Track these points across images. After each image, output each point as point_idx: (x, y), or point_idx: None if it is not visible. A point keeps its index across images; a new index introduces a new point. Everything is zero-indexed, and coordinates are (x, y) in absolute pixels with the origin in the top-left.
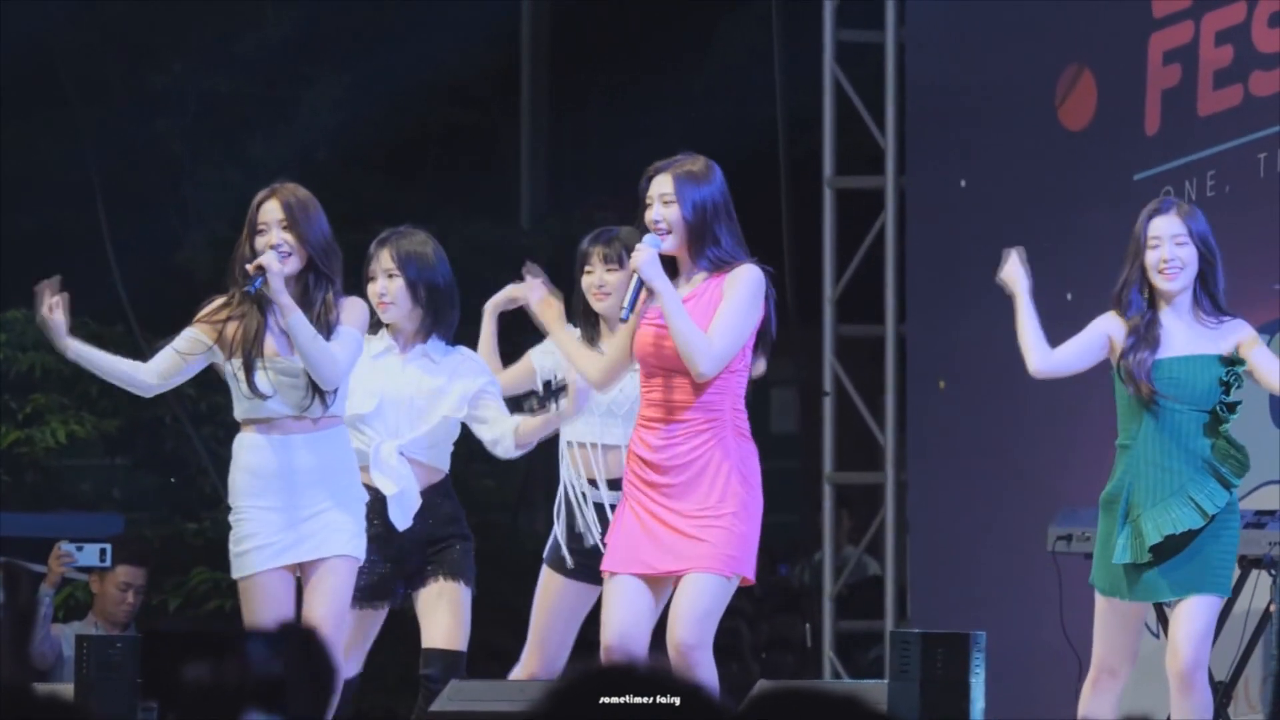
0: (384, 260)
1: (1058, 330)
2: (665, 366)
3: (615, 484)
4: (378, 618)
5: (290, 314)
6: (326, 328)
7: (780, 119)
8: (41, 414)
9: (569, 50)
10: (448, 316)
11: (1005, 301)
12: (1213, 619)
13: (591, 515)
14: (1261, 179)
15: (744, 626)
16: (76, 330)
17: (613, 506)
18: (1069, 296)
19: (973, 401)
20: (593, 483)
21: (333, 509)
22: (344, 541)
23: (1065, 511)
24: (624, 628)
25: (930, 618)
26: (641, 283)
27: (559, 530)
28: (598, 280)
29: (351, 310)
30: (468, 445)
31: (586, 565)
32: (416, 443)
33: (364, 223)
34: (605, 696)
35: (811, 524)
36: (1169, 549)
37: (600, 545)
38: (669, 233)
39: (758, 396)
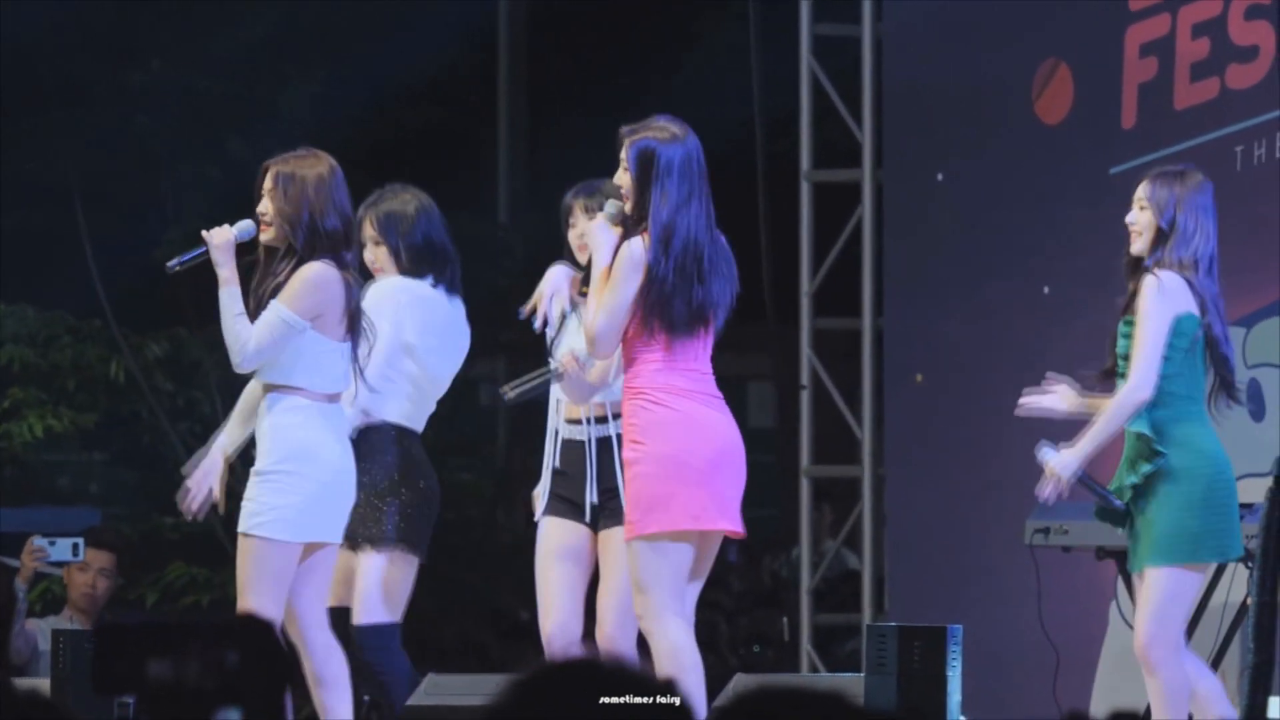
0: (366, 228)
1: (1034, 324)
2: None
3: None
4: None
5: (221, 287)
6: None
7: (757, 114)
8: (19, 408)
9: (546, 48)
10: (433, 271)
11: (982, 294)
12: (1165, 591)
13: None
14: (1238, 172)
15: (721, 620)
16: (54, 324)
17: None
18: (1046, 290)
19: (950, 395)
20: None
21: (253, 482)
22: (245, 518)
23: (1042, 505)
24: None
25: (908, 611)
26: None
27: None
28: (580, 231)
29: (290, 286)
30: (443, 438)
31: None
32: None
33: None
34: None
35: (789, 518)
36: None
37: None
38: (626, 197)
39: (734, 391)
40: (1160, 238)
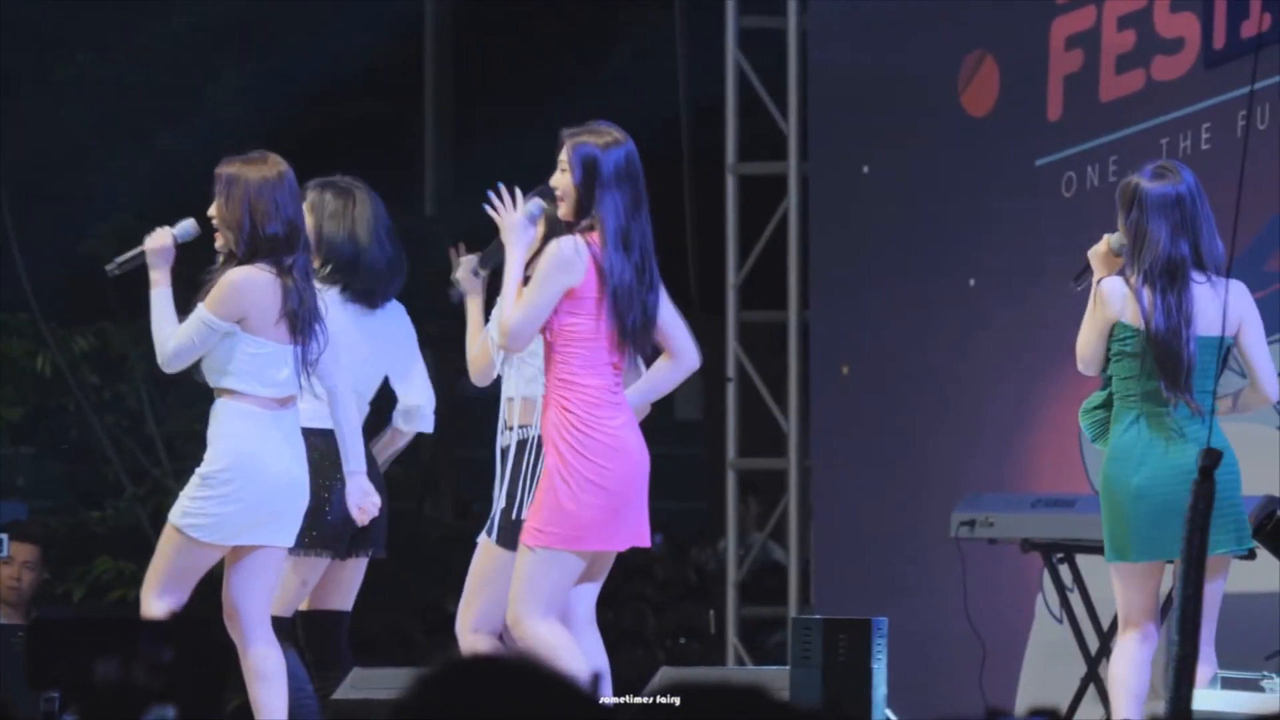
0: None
1: (959, 315)
2: None
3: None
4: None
5: (152, 288)
6: None
7: (683, 106)
8: None
9: (472, 40)
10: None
11: (908, 287)
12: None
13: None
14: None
15: (649, 613)
16: None
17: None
18: (972, 282)
19: (876, 387)
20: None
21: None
22: (180, 512)
23: (969, 497)
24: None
25: (834, 604)
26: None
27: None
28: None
29: (214, 289)
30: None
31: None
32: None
33: None
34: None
35: (716, 511)
36: None
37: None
38: (562, 199)
39: None
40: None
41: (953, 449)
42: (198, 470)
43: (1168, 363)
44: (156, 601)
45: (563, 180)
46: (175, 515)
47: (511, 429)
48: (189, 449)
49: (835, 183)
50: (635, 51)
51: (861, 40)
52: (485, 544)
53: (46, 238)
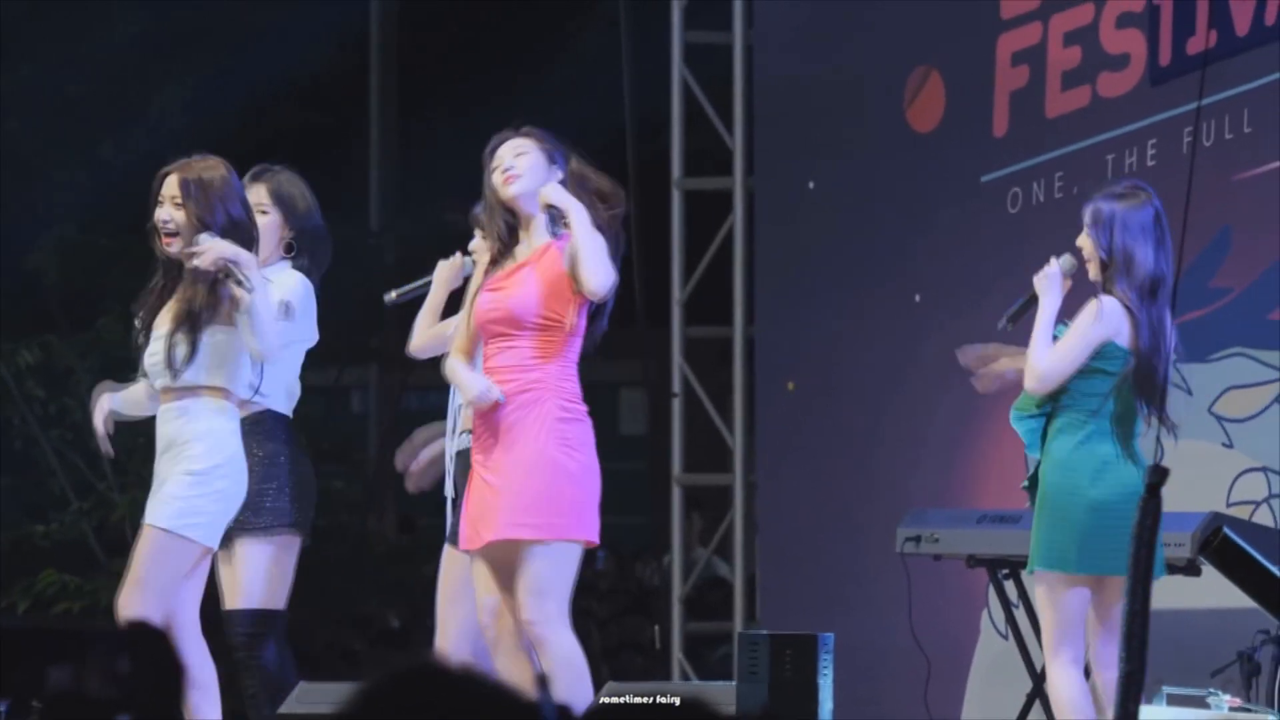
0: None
1: (905, 331)
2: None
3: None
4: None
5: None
6: None
7: (628, 119)
8: None
9: (417, 53)
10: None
11: (853, 302)
12: (1041, 597)
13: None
14: (1109, 180)
15: (593, 628)
16: None
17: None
18: (917, 298)
19: (821, 403)
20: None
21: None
22: (172, 515)
23: (914, 513)
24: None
25: (779, 619)
26: None
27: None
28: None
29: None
30: (315, 445)
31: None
32: None
33: None
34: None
35: (660, 526)
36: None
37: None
38: (519, 176)
39: (606, 398)
40: (1104, 262)
41: (897, 464)
42: (183, 470)
43: (1149, 382)
44: (145, 612)
45: (519, 162)
46: (163, 518)
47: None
48: (134, 463)
49: (781, 198)
50: (581, 64)
51: (807, 55)
52: (453, 554)
53: None
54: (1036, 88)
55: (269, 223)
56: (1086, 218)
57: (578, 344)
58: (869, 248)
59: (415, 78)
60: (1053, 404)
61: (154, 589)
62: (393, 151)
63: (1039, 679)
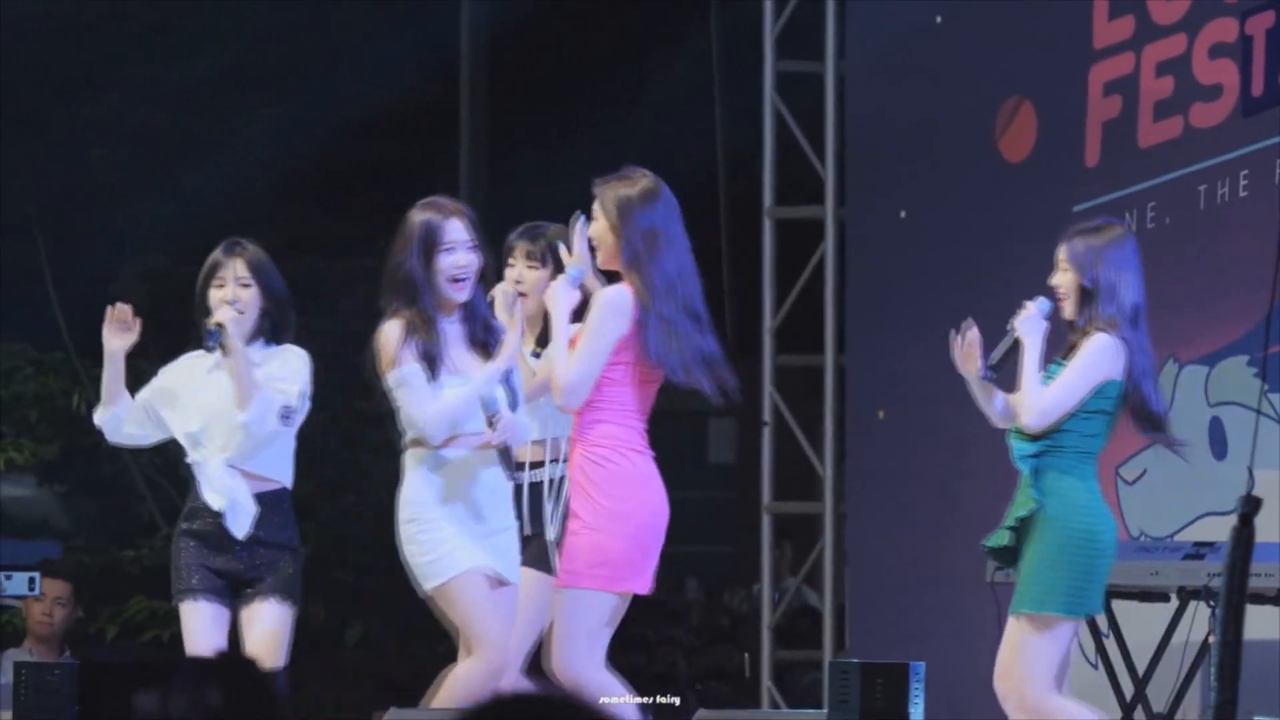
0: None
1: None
2: None
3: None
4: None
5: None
6: None
7: (720, 150)
8: None
9: (506, 85)
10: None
11: (944, 332)
12: (1023, 636)
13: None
14: (1201, 210)
15: (681, 657)
16: (16, 356)
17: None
18: (1008, 328)
19: (911, 432)
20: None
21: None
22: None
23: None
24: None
25: (868, 648)
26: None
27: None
28: (516, 275)
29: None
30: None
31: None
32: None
33: (298, 255)
34: None
35: (750, 555)
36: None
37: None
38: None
39: (695, 427)
40: (1086, 296)
41: (986, 493)
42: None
43: (1145, 409)
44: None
45: (597, 227)
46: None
47: (544, 464)
48: None
49: (872, 227)
50: (672, 95)
51: (899, 85)
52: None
53: (79, 277)
54: (1129, 118)
55: (252, 295)
56: (1064, 255)
57: (612, 390)
58: (960, 277)
59: (504, 110)
60: (1045, 442)
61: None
62: (480, 184)
63: (1128, 707)
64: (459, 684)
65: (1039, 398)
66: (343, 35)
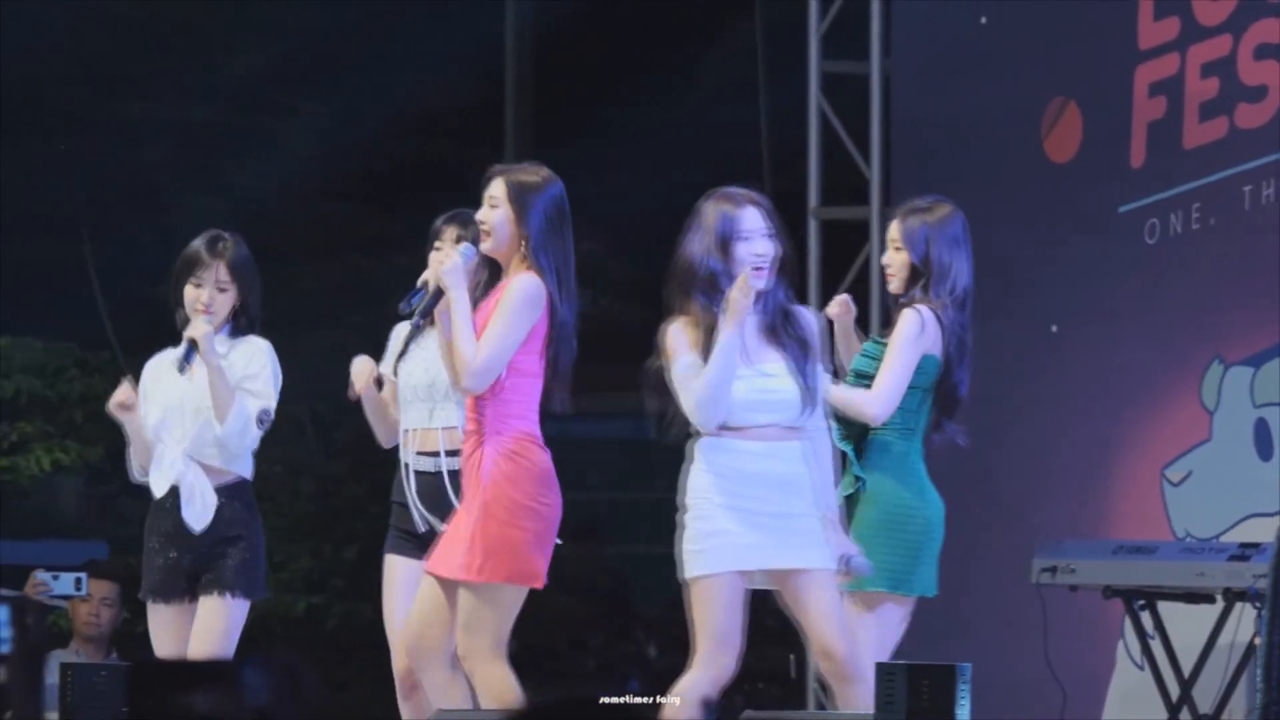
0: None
1: (1041, 361)
2: None
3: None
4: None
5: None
6: None
7: (765, 150)
8: (27, 442)
9: (552, 83)
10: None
11: (989, 332)
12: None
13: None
14: (1246, 211)
15: None
16: (62, 356)
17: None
18: (1054, 328)
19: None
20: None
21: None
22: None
23: (1048, 543)
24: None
25: (912, 649)
26: (439, 290)
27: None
28: (443, 259)
29: None
30: None
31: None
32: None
33: (343, 253)
34: None
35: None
36: None
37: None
38: (489, 235)
39: None
40: (915, 275)
41: (1030, 494)
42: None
43: (953, 394)
44: None
45: (492, 215)
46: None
47: (438, 454)
48: (268, 489)
49: None
50: (716, 96)
51: (944, 85)
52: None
53: (125, 276)
54: (1174, 119)
55: (228, 298)
56: (895, 233)
57: (522, 381)
58: (1005, 278)
59: (549, 108)
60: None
61: None
62: None
63: (1174, 709)
64: (685, 692)
65: (879, 392)
66: (388, 33)
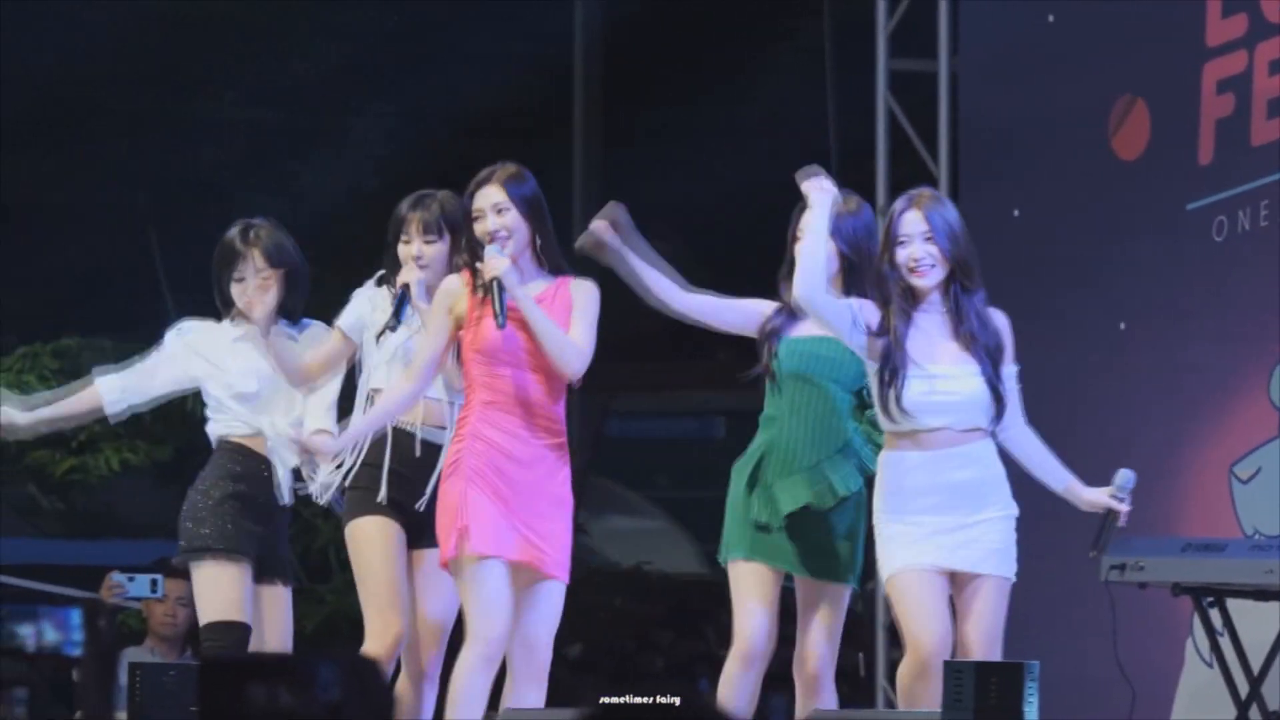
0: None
1: (1109, 359)
2: (518, 362)
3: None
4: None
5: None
6: None
7: (832, 148)
8: (95, 442)
9: (621, 83)
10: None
11: (1057, 330)
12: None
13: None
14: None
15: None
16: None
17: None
18: (1122, 326)
19: None
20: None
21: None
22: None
23: (1117, 541)
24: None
25: None
26: (503, 289)
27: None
28: (415, 251)
29: None
30: None
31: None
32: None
33: None
34: None
35: (865, 555)
36: (800, 524)
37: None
38: (509, 238)
39: None
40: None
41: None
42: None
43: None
44: None
45: (502, 220)
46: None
47: (446, 427)
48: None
49: (985, 225)
50: (784, 95)
51: (1012, 83)
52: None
53: (192, 278)
54: (1242, 116)
55: (272, 286)
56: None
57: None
58: (1073, 276)
59: (617, 107)
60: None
61: None
62: (595, 182)
63: (1243, 707)
64: (903, 680)
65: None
66: (456, 33)
